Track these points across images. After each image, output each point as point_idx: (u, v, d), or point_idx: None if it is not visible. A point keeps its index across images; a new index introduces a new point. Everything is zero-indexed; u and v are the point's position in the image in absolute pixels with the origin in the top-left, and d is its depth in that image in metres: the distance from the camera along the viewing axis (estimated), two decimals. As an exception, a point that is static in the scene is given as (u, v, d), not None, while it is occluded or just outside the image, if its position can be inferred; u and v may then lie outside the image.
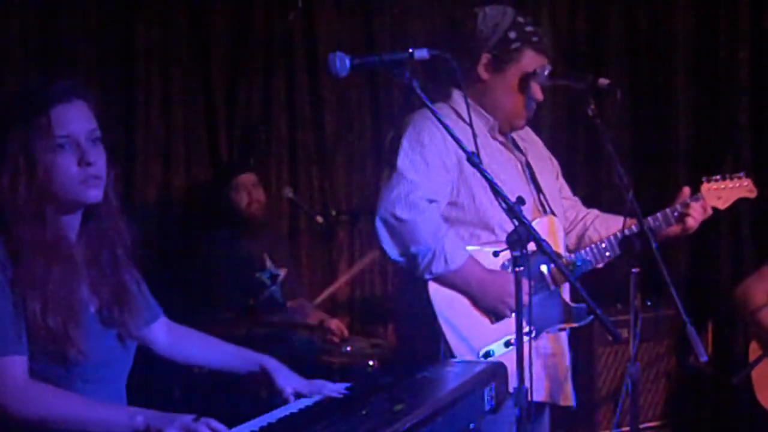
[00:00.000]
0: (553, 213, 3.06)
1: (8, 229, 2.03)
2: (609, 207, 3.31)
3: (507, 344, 2.86)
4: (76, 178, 2.06)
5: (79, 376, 2.05)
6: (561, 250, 3.03)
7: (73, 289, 2.07)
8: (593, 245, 3.04)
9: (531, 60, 2.95)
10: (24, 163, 2.03)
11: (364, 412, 1.91)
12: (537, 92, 2.99)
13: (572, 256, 3.03)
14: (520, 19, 2.97)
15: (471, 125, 2.39)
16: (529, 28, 2.96)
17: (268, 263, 4.34)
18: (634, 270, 2.75)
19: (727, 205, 3.16)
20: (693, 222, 3.06)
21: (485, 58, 2.95)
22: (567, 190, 3.29)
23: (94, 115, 2.12)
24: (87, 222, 2.16)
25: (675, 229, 3.08)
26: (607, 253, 3.02)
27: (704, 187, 3.11)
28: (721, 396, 4.50)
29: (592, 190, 4.50)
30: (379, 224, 2.85)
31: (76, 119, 2.08)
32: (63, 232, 2.10)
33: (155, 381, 2.99)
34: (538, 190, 3.07)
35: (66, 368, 2.03)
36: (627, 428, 2.91)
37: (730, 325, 4.57)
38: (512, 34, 2.93)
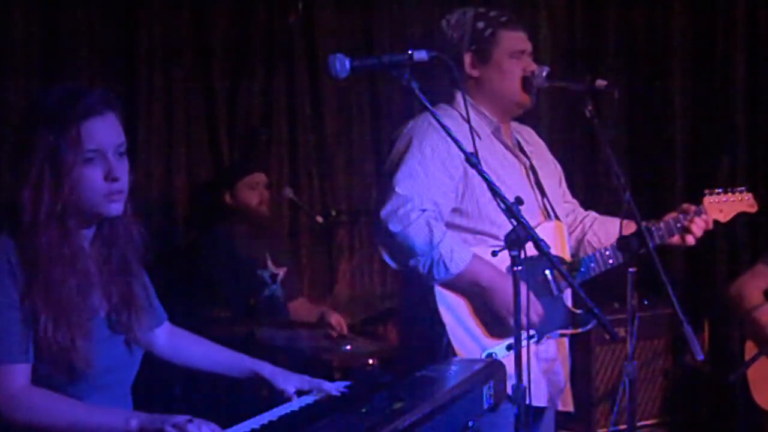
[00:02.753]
0: (557, 217, 3.07)
1: (26, 239, 2.01)
2: (607, 207, 3.32)
3: (509, 347, 2.87)
4: (100, 192, 2.05)
5: (85, 382, 2.06)
6: (567, 256, 3.04)
7: (85, 300, 2.07)
8: (597, 252, 3.03)
9: (509, 39, 2.99)
10: (50, 174, 2.01)
11: (364, 410, 1.92)
12: (529, 65, 3.00)
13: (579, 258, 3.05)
14: (481, 10, 3.02)
15: (470, 125, 2.40)
16: (493, 13, 3.01)
17: (269, 262, 4.36)
18: (631, 269, 2.76)
19: (728, 218, 3.20)
20: (695, 237, 3.09)
21: (467, 57, 2.99)
22: (567, 195, 3.30)
23: (122, 125, 2.11)
24: (101, 228, 2.15)
25: (674, 239, 3.10)
26: (611, 261, 3.02)
27: (706, 200, 3.14)
28: (717, 394, 4.50)
29: (589, 191, 4.51)
30: (377, 240, 2.88)
31: (106, 132, 2.06)
32: (81, 243, 2.09)
33: (156, 380, 3.00)
34: (543, 194, 3.08)
35: (72, 376, 2.04)
36: (624, 426, 2.91)
37: (726, 323, 4.57)
38: (480, 25, 2.98)
